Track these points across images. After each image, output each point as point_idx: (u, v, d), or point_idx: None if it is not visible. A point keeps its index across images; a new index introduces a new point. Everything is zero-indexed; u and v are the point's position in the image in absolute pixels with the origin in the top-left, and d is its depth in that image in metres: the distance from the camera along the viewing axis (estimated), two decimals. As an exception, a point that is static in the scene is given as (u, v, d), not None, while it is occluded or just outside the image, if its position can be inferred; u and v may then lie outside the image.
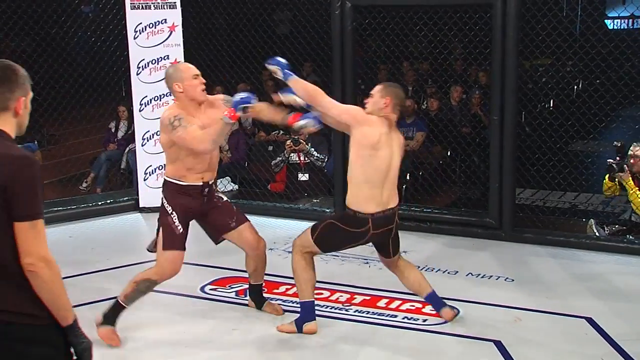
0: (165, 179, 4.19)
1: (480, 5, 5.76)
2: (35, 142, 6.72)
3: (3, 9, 6.29)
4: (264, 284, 4.58)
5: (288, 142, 6.71)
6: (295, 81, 4.04)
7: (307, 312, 4.14)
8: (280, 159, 6.79)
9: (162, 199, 4.18)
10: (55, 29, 6.67)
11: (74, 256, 5.53)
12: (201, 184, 4.12)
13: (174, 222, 4.09)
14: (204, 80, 4.12)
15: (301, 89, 4.02)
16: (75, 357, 2.41)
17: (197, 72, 4.12)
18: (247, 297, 4.65)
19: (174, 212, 4.10)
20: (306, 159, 6.76)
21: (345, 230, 4.00)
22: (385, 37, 6.47)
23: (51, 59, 7.11)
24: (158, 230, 4.19)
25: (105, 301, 4.63)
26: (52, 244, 5.66)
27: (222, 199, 4.32)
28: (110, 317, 4.15)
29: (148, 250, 4.51)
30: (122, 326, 4.17)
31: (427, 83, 8.38)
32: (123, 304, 4.16)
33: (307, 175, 6.77)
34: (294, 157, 6.79)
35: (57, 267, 2.32)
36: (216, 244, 4.36)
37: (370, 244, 4.20)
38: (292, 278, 4.92)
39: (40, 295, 2.30)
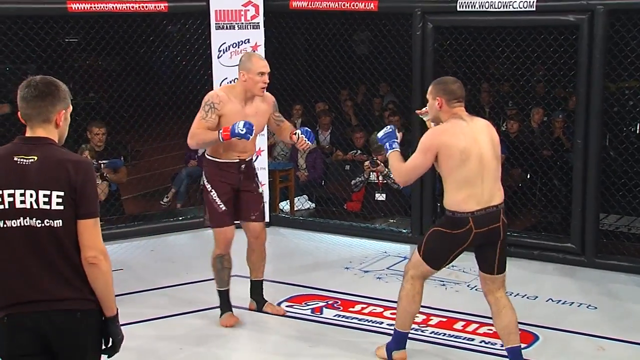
0: (205, 157, 4.52)
1: (566, 26, 5.66)
2: (122, 158, 6.93)
3: (96, 29, 6.54)
4: (263, 283, 4.76)
5: (366, 162, 6.72)
6: (392, 154, 3.94)
7: (399, 342, 4.06)
8: (360, 179, 6.80)
9: (203, 177, 4.52)
10: (143, 48, 6.89)
11: (155, 270, 5.66)
12: (237, 160, 4.43)
13: (215, 200, 4.43)
14: (267, 80, 4.35)
15: (394, 166, 3.94)
16: (108, 345, 2.66)
17: (265, 69, 4.35)
18: (250, 297, 4.78)
19: (213, 190, 4.43)
20: (384, 179, 6.76)
21: (448, 234, 3.76)
22: (467, 57, 6.42)
23: (139, 77, 7.35)
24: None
25: (186, 314, 4.75)
26: (134, 257, 5.85)
27: (259, 188, 4.62)
28: (223, 306, 4.56)
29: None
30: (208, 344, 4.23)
31: (508, 105, 8.27)
32: (221, 289, 4.56)
33: (384, 195, 6.76)
34: (372, 176, 6.79)
35: (110, 260, 2.58)
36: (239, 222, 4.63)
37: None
38: (367, 297, 4.94)
39: (95, 286, 2.56)
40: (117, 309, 2.64)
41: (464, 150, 3.64)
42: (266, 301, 4.77)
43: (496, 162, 3.74)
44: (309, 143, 4.51)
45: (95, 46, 6.77)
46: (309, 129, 4.56)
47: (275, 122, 4.62)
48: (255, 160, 4.86)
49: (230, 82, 6.63)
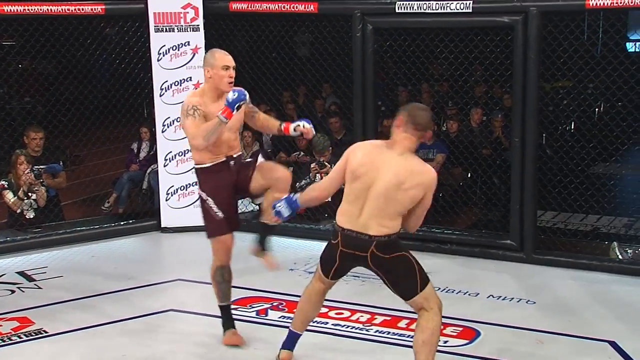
0: (194, 167, 4.31)
1: (501, 27, 5.78)
2: (61, 163, 6.79)
3: (30, 32, 6.40)
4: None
5: (313, 165, 6.73)
6: (301, 199, 3.87)
7: (290, 341, 3.98)
8: (306, 181, 6.81)
9: (199, 189, 4.28)
10: (81, 51, 6.77)
11: (95, 276, 5.57)
12: (224, 159, 4.24)
13: (212, 208, 4.20)
14: (233, 74, 4.17)
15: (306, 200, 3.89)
16: None
17: (230, 63, 4.18)
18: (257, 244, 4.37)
19: (209, 198, 4.21)
20: (329, 181, 6.76)
21: (329, 243, 3.75)
22: (406, 58, 6.50)
23: (76, 80, 7.22)
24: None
25: (129, 320, 4.68)
26: (74, 263, 5.74)
27: (247, 159, 4.39)
28: (225, 322, 4.36)
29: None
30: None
31: (448, 105, 8.41)
32: (224, 304, 4.35)
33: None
34: (317, 178, 6.80)
35: None
36: (253, 200, 4.55)
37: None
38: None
39: None
40: None
41: (355, 171, 3.60)
42: (267, 251, 4.40)
43: (388, 202, 3.55)
44: (313, 131, 4.37)
45: (30, 49, 6.62)
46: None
47: (251, 114, 4.43)
48: None
49: (171, 85, 6.58)
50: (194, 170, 4.36)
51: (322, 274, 3.82)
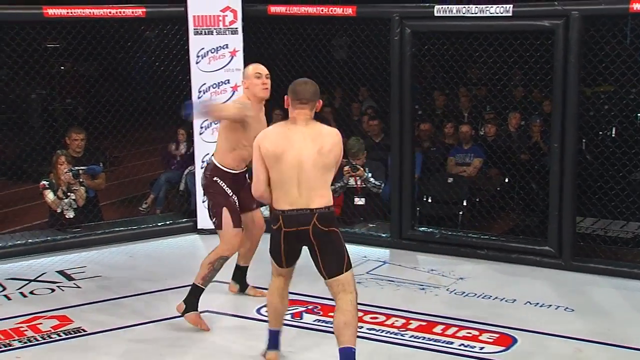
0: (221, 169, 4.70)
1: (541, 31, 5.71)
2: (100, 164, 6.88)
3: (73, 34, 6.50)
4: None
5: (346, 167, 6.73)
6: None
7: (270, 340, 4.09)
8: (340, 184, 6.80)
9: (218, 183, 4.68)
10: (121, 53, 6.86)
11: (132, 276, 5.63)
12: (245, 169, 4.75)
13: (236, 203, 4.68)
14: (266, 82, 4.65)
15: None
16: None
17: (262, 71, 4.67)
18: (230, 280, 5.14)
19: (233, 194, 4.69)
20: (363, 184, 6.76)
21: (272, 229, 3.86)
22: (444, 62, 6.47)
23: (117, 82, 7.31)
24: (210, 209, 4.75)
25: (165, 320, 4.72)
26: (112, 263, 5.83)
27: (247, 181, 4.79)
28: (192, 303, 4.59)
29: None
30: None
31: (485, 109, 8.34)
32: (201, 287, 4.62)
33: (363, 199, 6.76)
34: (351, 181, 6.79)
35: None
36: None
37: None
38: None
39: None
40: None
41: (275, 152, 3.74)
42: (248, 284, 5.06)
43: (317, 170, 3.73)
44: None
45: (72, 52, 6.73)
46: None
47: None
48: None
49: (209, 87, 6.63)
50: (219, 170, 4.69)
51: (276, 266, 3.95)
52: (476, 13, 5.77)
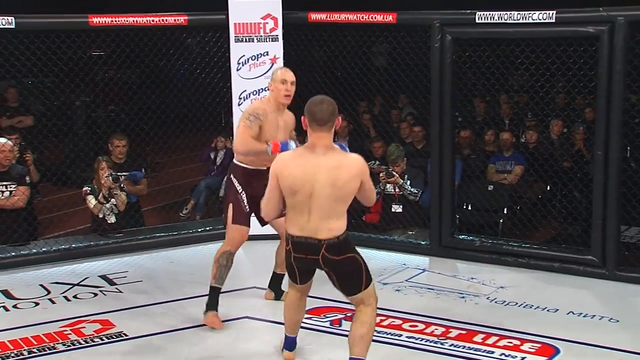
0: (236, 163, 4.83)
1: (585, 37, 5.64)
2: (142, 170, 6.97)
3: (117, 43, 6.60)
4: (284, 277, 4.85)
5: (382, 174, 6.72)
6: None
7: (287, 343, 4.23)
8: (377, 190, 6.78)
9: (232, 179, 4.83)
10: (163, 61, 6.94)
11: (173, 281, 5.69)
12: (265, 168, 4.59)
13: (243, 201, 4.78)
14: (290, 89, 4.74)
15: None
16: None
17: (288, 78, 4.75)
18: (266, 288, 5.15)
19: (243, 192, 4.79)
20: (400, 191, 6.73)
21: (286, 249, 3.87)
22: (485, 69, 6.41)
23: (158, 90, 7.40)
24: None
25: (204, 326, 4.75)
26: (153, 268, 5.88)
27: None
28: (210, 303, 4.74)
29: None
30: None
31: (527, 116, 8.25)
32: (217, 286, 4.77)
33: (401, 206, 6.73)
34: (389, 188, 6.76)
35: None
36: (262, 226, 4.81)
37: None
38: (386, 309, 4.92)
39: None
40: None
41: (294, 183, 3.69)
42: (284, 292, 4.87)
43: (331, 202, 3.68)
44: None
45: (115, 59, 6.84)
46: (287, 142, 4.72)
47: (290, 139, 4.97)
48: None
49: (249, 94, 6.67)
50: (234, 165, 4.84)
51: (291, 281, 3.99)
52: (518, 19, 5.71)
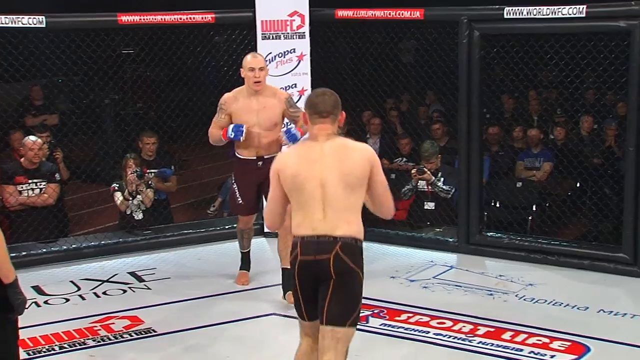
0: (235, 154, 5.12)
1: (616, 32, 5.56)
2: (172, 168, 7.02)
3: (145, 41, 6.65)
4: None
5: (413, 170, 6.68)
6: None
7: None
8: (409, 187, 6.75)
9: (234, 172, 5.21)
10: (190, 58, 6.98)
11: (201, 278, 5.72)
12: (255, 157, 4.99)
13: (235, 192, 5.11)
14: (259, 74, 4.92)
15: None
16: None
17: (256, 65, 4.93)
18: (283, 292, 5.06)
19: (234, 183, 5.12)
20: (432, 188, 6.68)
21: (290, 266, 3.38)
22: (514, 65, 6.35)
23: (186, 87, 7.43)
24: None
25: (233, 322, 4.77)
26: (181, 265, 5.89)
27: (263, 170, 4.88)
28: (242, 264, 5.56)
29: None
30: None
31: (556, 112, 8.16)
32: (242, 251, 5.49)
33: (433, 204, 6.68)
34: (422, 185, 6.73)
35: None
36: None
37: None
38: (413, 306, 4.91)
39: None
40: (15, 277, 3.05)
41: (296, 175, 3.27)
42: (290, 290, 4.69)
43: (342, 190, 3.25)
44: (289, 142, 4.89)
45: (144, 57, 6.89)
46: (292, 130, 4.98)
47: (292, 118, 5.10)
48: None
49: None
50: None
51: (300, 321, 3.37)
52: (548, 15, 5.65)
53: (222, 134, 4.95)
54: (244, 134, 4.89)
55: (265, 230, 6.78)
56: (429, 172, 6.58)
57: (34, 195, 6.29)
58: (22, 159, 6.32)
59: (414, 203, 6.79)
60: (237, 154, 5.09)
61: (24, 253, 6.05)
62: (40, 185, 6.32)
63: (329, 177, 3.25)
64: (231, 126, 4.91)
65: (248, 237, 5.45)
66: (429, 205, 6.66)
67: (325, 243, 3.21)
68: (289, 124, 5.23)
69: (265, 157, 4.98)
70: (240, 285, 5.36)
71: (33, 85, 8.59)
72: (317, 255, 3.21)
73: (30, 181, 6.28)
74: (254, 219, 5.49)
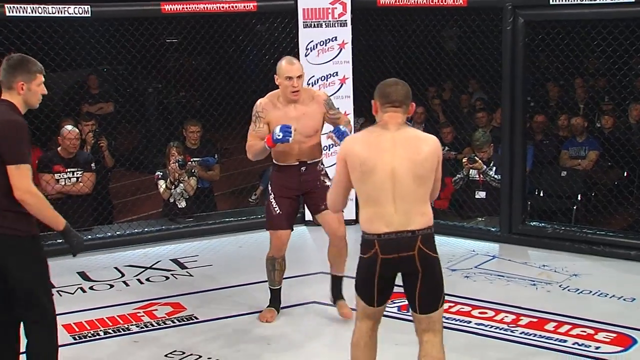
0: (273, 162, 4.58)
1: (666, 17, 5.43)
2: (215, 156, 7.07)
3: (188, 29, 6.70)
4: (343, 279, 4.59)
5: (465, 159, 6.62)
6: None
7: None
8: (460, 176, 6.69)
9: (269, 180, 4.63)
10: (233, 47, 7.00)
11: (242, 266, 5.76)
12: (297, 163, 4.46)
13: (272, 203, 4.51)
14: (297, 83, 4.35)
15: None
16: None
17: (292, 73, 4.35)
18: (330, 293, 4.71)
19: (272, 193, 4.52)
20: (484, 177, 6.59)
21: (361, 259, 3.30)
22: (559, 52, 6.23)
23: (228, 76, 7.46)
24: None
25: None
26: (223, 253, 5.87)
27: (325, 182, 4.51)
28: (271, 301, 4.69)
29: None
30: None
31: (603, 100, 8.00)
32: (271, 287, 4.68)
33: (484, 193, 6.59)
34: (473, 173, 6.65)
35: (40, 196, 3.33)
36: (313, 220, 4.66)
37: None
38: (455, 296, 4.86)
39: (34, 215, 3.34)
40: (65, 224, 3.40)
41: (365, 162, 3.20)
42: (340, 299, 4.61)
43: (414, 182, 3.19)
44: (339, 142, 4.27)
45: (186, 46, 6.93)
46: (342, 128, 4.42)
47: (332, 121, 4.53)
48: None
49: (318, 80, 6.68)
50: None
51: (364, 305, 3.34)
52: (595, 0, 5.53)
53: (267, 140, 4.28)
54: (293, 134, 4.24)
55: (307, 218, 6.80)
56: (480, 161, 6.51)
57: (70, 184, 6.36)
58: (59, 148, 6.41)
59: (464, 193, 6.70)
60: (274, 162, 4.52)
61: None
62: (77, 174, 6.38)
63: (399, 167, 3.20)
64: (277, 127, 4.23)
65: (280, 269, 4.64)
66: (480, 194, 6.58)
67: (406, 239, 3.20)
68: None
69: (309, 162, 4.48)
70: (264, 321, 4.64)
71: (89, 74, 8.72)
72: (400, 253, 3.21)
73: (67, 170, 6.35)
74: (287, 243, 4.61)
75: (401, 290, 4.89)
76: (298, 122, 4.34)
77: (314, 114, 4.45)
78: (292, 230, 4.61)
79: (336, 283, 4.64)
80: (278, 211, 4.48)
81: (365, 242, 3.26)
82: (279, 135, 4.21)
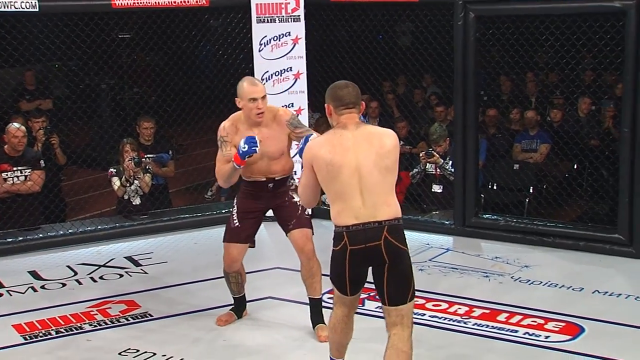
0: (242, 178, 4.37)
1: (612, 12, 5.54)
2: (170, 152, 7.01)
3: (139, 25, 6.63)
4: (321, 300, 4.37)
5: (422, 154, 6.67)
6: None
7: None
8: (417, 170, 6.75)
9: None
10: (186, 42, 6.95)
11: (197, 262, 5.73)
12: (264, 179, 4.29)
13: (232, 216, 4.38)
14: (262, 105, 4.15)
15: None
16: None
17: (258, 94, 4.15)
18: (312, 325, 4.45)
19: (234, 207, 4.41)
20: (441, 171, 6.66)
21: (333, 251, 3.42)
22: (509, 47, 6.33)
23: (181, 71, 7.41)
24: None
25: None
26: (178, 249, 5.84)
27: (293, 199, 4.36)
28: (234, 308, 4.63)
29: None
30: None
31: (553, 94, 8.14)
32: (233, 296, 4.61)
33: (441, 187, 6.65)
34: (430, 167, 6.71)
35: None
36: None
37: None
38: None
39: None
40: None
41: (331, 162, 3.32)
42: (319, 323, 4.36)
43: (379, 173, 3.32)
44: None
45: (139, 41, 6.86)
46: (310, 137, 4.07)
47: (299, 139, 4.23)
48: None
49: (272, 75, 6.67)
50: None
51: (339, 294, 3.48)
52: (543, -5, 5.63)
53: (235, 159, 4.06)
54: (259, 143, 4.04)
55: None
56: (437, 155, 6.57)
57: (18, 182, 6.25)
58: (5, 147, 6.27)
59: (420, 187, 6.76)
60: (243, 177, 4.33)
61: (20, 238, 6.08)
62: (25, 172, 6.26)
63: (364, 162, 3.34)
64: (241, 141, 4.04)
65: (236, 282, 4.55)
66: (437, 188, 6.65)
67: (373, 230, 3.32)
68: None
69: (277, 178, 4.32)
70: (219, 324, 4.55)
71: (26, 70, 8.57)
72: (367, 244, 3.32)
73: (14, 168, 6.22)
74: (242, 259, 4.46)
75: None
76: (263, 145, 4.12)
77: (279, 136, 4.26)
78: (253, 246, 4.47)
79: (313, 305, 4.40)
80: (237, 224, 4.35)
81: (336, 235, 3.40)
82: (244, 148, 4.01)
